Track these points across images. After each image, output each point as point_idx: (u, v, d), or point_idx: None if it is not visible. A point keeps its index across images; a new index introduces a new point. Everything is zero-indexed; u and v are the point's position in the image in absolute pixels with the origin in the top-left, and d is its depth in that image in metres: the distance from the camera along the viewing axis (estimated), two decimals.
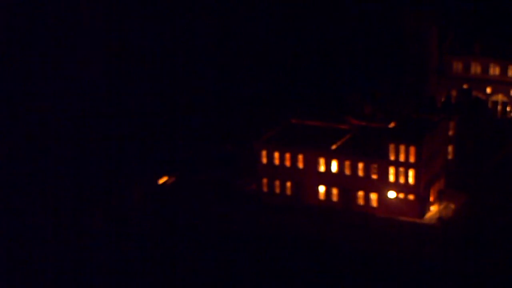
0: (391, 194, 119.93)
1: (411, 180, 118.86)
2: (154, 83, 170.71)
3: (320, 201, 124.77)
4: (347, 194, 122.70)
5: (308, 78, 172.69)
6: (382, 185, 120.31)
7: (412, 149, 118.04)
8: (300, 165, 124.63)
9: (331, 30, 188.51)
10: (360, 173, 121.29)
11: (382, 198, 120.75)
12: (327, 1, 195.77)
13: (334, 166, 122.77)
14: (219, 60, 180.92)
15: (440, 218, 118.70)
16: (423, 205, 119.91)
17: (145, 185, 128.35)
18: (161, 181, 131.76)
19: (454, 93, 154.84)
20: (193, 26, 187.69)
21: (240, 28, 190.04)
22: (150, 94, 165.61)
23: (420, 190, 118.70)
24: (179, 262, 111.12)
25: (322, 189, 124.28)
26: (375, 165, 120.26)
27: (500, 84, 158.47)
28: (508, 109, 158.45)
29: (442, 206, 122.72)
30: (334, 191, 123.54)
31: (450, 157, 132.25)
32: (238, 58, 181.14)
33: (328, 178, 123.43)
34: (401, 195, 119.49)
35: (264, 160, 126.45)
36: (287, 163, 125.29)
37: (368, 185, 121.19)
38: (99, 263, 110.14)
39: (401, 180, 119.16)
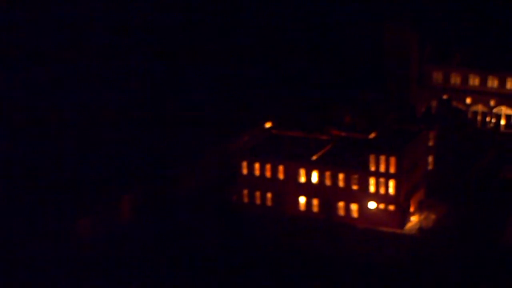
0: (372, 205, 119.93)
1: (391, 190, 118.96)
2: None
3: (300, 212, 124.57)
4: (328, 204, 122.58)
5: (288, 88, 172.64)
6: (362, 195, 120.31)
7: (392, 160, 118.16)
8: (281, 176, 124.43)
9: (312, 40, 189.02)
10: (341, 183, 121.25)
11: (363, 208, 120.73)
12: (308, 11, 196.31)
13: (315, 177, 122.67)
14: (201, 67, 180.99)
15: (420, 229, 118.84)
16: (404, 215, 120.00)
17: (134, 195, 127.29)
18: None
19: (434, 103, 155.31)
20: None
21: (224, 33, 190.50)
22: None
23: (401, 200, 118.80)
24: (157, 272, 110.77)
25: (302, 200, 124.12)
26: (356, 176, 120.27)
27: (480, 94, 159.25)
28: (488, 119, 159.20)
29: (422, 217, 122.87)
30: (315, 201, 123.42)
31: (430, 167, 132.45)
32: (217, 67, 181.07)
33: (308, 189, 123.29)
34: (382, 206, 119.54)
35: (245, 171, 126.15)
36: (268, 174, 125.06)
37: (349, 196, 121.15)
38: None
39: (382, 190, 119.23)
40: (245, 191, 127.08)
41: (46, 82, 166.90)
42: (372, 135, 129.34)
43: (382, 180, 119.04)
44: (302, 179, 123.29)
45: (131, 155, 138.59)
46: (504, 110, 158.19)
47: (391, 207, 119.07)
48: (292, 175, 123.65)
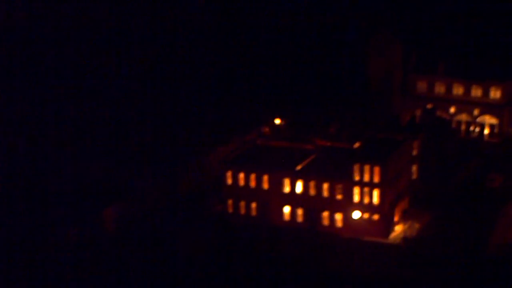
0: (356, 214, 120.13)
1: (375, 200, 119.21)
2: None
3: (285, 221, 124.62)
4: (312, 214, 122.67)
5: (272, 98, 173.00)
6: (347, 205, 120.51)
7: (376, 169, 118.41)
8: (265, 186, 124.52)
9: (295, 50, 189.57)
10: (325, 193, 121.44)
11: (347, 218, 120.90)
12: (292, 21, 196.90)
13: (299, 187, 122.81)
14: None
15: (404, 238, 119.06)
16: (388, 225, 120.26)
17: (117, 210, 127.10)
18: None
19: (418, 112, 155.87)
20: None
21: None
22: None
23: (385, 210, 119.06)
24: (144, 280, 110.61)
25: (287, 209, 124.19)
26: (340, 186, 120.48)
27: (463, 104, 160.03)
28: (471, 128, 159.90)
29: (406, 226, 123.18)
30: (299, 211, 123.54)
31: (414, 176, 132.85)
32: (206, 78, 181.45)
33: (293, 199, 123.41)
34: (366, 215, 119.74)
35: (229, 181, 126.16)
36: (252, 184, 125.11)
37: (333, 206, 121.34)
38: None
39: (366, 200, 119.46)
40: (230, 201, 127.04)
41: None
42: (357, 145, 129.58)
43: (366, 189, 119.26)
44: (287, 189, 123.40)
45: (116, 164, 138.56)
46: (487, 119, 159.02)
47: (376, 217, 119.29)
48: (276, 185, 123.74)
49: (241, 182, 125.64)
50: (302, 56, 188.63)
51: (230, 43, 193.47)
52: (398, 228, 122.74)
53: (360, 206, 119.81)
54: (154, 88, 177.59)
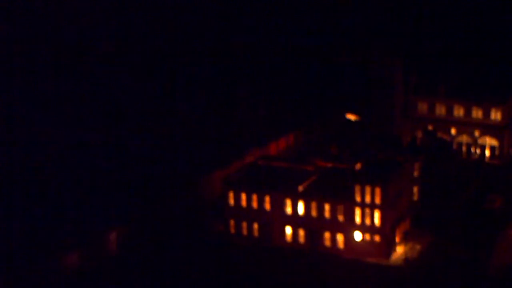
0: (357, 235, 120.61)
1: (377, 221, 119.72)
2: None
3: (287, 242, 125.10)
4: (314, 235, 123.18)
5: (271, 120, 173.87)
6: (348, 226, 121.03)
7: (377, 190, 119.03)
8: (267, 206, 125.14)
9: (296, 71, 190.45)
10: (327, 214, 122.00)
11: (349, 239, 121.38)
12: (293, 41, 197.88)
13: (301, 208, 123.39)
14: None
15: (406, 259, 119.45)
16: (389, 246, 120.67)
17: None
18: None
19: (419, 134, 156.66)
20: None
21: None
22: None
23: (386, 231, 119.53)
24: None
25: (289, 230, 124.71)
26: (341, 207, 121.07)
27: (464, 125, 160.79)
28: (472, 150, 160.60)
29: (407, 247, 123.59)
30: (301, 232, 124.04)
31: (415, 198, 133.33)
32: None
33: (294, 220, 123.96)
34: (367, 236, 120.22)
35: (231, 202, 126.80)
36: (254, 205, 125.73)
37: (335, 226, 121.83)
38: None
39: (367, 221, 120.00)
40: (232, 222, 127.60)
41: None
42: (358, 166, 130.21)
43: (367, 210, 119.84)
44: (288, 209, 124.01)
45: (117, 188, 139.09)
46: (488, 140, 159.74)
47: (377, 238, 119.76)
48: (278, 205, 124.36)
49: (243, 203, 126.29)
50: (302, 77, 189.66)
51: (228, 62, 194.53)
52: (399, 249, 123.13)
53: (362, 227, 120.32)
54: (154, 109, 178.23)
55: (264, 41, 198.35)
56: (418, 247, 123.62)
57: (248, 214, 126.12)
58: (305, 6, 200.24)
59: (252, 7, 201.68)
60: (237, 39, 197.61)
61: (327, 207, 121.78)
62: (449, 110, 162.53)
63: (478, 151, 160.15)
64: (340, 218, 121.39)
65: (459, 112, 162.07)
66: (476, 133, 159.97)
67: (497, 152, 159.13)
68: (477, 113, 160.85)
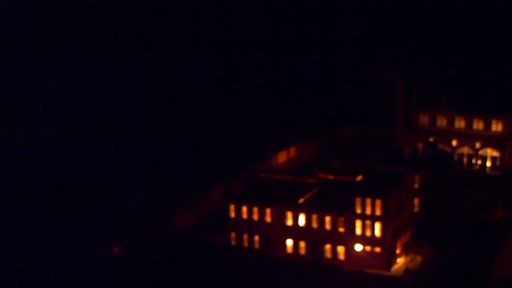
0: (358, 247, 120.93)
1: (377, 233, 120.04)
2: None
3: (288, 254, 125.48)
4: (315, 247, 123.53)
5: (276, 130, 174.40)
6: (349, 238, 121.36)
7: (378, 202, 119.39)
8: (268, 219, 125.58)
9: (298, 81, 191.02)
10: (327, 226, 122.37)
11: (349, 251, 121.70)
12: (297, 51, 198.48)
13: (302, 220, 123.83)
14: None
15: (406, 270, 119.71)
16: (390, 257, 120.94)
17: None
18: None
19: (420, 146, 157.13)
20: None
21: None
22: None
23: (387, 242, 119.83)
24: None
25: (289, 242, 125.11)
26: (342, 219, 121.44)
27: (465, 137, 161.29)
28: (473, 161, 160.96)
29: (408, 259, 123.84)
30: (302, 244, 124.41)
31: (416, 209, 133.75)
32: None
33: (295, 232, 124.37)
34: (368, 248, 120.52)
35: (232, 214, 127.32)
36: (255, 217, 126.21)
37: (335, 238, 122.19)
38: None
39: (368, 233, 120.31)
40: (233, 234, 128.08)
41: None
42: (359, 178, 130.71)
43: (368, 222, 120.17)
44: (289, 222, 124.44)
45: (120, 200, 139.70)
46: (489, 152, 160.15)
47: (377, 249, 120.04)
48: (279, 218, 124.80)
49: (244, 215, 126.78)
50: (304, 89, 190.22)
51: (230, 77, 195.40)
52: (400, 261, 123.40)
53: (362, 239, 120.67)
54: (156, 123, 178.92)
55: (267, 54, 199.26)
56: (419, 258, 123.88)
57: (249, 227, 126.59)
58: (304, 19, 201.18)
59: (251, 20, 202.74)
60: (241, 48, 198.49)
61: (328, 219, 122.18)
62: (450, 122, 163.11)
63: (479, 162, 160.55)
64: (341, 230, 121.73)
65: (460, 123, 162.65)
66: (477, 145, 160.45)
67: (498, 163, 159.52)
68: (478, 125, 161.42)
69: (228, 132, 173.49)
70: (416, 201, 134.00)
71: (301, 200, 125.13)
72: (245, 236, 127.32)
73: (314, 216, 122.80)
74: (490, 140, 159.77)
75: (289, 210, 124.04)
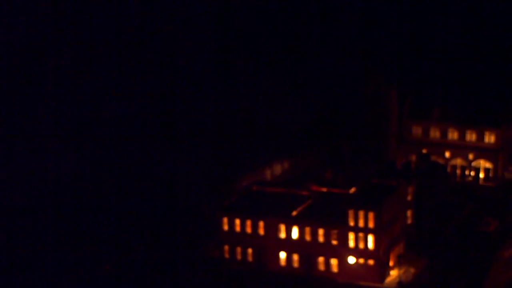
0: (351, 259, 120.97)
1: (370, 245, 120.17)
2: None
3: (281, 267, 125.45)
4: (308, 260, 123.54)
5: (267, 143, 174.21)
6: (342, 250, 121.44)
7: (371, 215, 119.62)
8: (261, 231, 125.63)
9: (292, 93, 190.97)
10: (321, 239, 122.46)
11: (343, 263, 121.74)
12: (290, 62, 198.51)
13: (295, 232, 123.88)
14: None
15: (400, 283, 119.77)
16: (383, 269, 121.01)
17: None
18: None
19: (413, 157, 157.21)
20: None
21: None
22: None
23: (380, 255, 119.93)
24: None
25: (283, 255, 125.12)
26: (335, 231, 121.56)
27: (458, 148, 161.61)
28: (467, 173, 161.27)
29: (402, 271, 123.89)
30: (295, 257, 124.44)
31: (409, 221, 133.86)
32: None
33: (289, 244, 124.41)
34: (361, 260, 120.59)
35: (225, 227, 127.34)
36: (248, 230, 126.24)
37: (329, 251, 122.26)
38: None
39: (361, 245, 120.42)
40: (226, 247, 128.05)
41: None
42: (353, 190, 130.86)
43: (361, 235, 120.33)
44: (283, 234, 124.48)
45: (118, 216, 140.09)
46: (482, 163, 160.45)
47: (371, 262, 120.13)
48: (272, 230, 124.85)
49: (237, 228, 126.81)
50: (297, 101, 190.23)
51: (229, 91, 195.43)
52: (394, 273, 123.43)
53: (355, 251, 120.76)
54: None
55: (261, 68, 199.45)
56: (412, 270, 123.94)
57: (243, 239, 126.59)
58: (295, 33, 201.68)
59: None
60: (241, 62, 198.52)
61: (321, 231, 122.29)
62: (444, 134, 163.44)
63: (472, 173, 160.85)
64: (334, 242, 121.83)
65: (453, 135, 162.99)
66: (470, 156, 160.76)
67: (491, 175, 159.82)
68: (471, 136, 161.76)
69: (224, 142, 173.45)
70: (409, 213, 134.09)
71: (294, 213, 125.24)
72: (239, 249, 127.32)
73: (307, 229, 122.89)
74: (483, 151, 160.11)
75: (282, 222, 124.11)
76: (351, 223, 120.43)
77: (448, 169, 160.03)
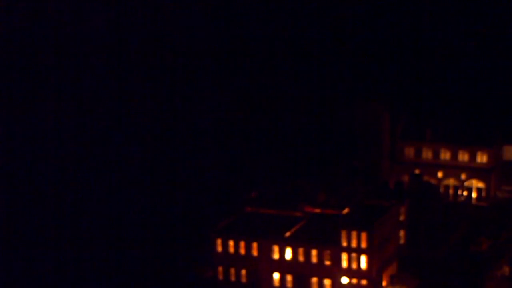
0: (344, 280, 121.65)
1: (363, 265, 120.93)
2: None
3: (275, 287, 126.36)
4: (301, 280, 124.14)
5: (262, 164, 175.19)
6: (335, 271, 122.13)
7: (363, 235, 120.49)
8: (255, 253, 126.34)
9: (284, 114, 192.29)
10: (314, 259, 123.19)
11: (336, 283, 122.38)
12: (280, 84, 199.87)
13: (288, 253, 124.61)
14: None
15: None
16: None
17: None
18: None
19: (406, 178, 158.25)
20: None
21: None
22: None
23: (373, 275, 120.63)
24: None
25: (276, 276, 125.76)
26: (328, 252, 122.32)
27: (451, 168, 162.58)
28: (459, 192, 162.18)
29: None
30: (289, 277, 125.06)
31: (402, 241, 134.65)
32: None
33: (282, 265, 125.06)
34: (354, 281, 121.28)
35: (219, 249, 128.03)
36: (242, 251, 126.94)
37: (322, 271, 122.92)
38: None
39: (354, 265, 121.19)
40: (220, 268, 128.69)
41: None
42: (345, 211, 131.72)
43: (354, 255, 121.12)
44: (276, 255, 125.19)
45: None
46: (475, 183, 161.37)
47: (364, 282, 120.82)
48: (266, 252, 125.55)
49: (231, 250, 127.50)
50: (289, 123, 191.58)
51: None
52: None
53: (348, 271, 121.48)
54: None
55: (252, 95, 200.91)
56: None
57: (236, 261, 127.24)
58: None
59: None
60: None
61: (314, 252, 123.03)
62: (436, 154, 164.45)
63: (465, 193, 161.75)
64: (327, 263, 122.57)
65: (445, 155, 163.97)
66: (463, 176, 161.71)
67: (483, 194, 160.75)
68: (464, 157, 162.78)
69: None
70: (402, 233, 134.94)
71: (287, 234, 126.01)
72: (232, 270, 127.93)
73: (301, 250, 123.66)
74: (475, 171, 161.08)
75: (276, 244, 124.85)
76: (344, 244, 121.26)
77: (441, 189, 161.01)
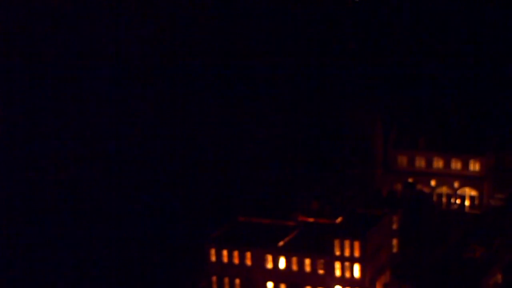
0: None
1: (357, 274, 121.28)
2: None
3: None
4: None
5: (255, 174, 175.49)
6: (329, 279, 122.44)
7: (356, 244, 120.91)
8: (248, 262, 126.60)
9: (276, 123, 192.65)
10: (307, 268, 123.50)
11: None
12: (271, 90, 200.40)
13: (282, 263, 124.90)
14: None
15: None
16: None
17: None
18: None
19: (399, 187, 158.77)
20: None
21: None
22: None
23: (366, 283, 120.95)
24: None
25: (270, 285, 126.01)
26: (322, 261, 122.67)
27: (444, 176, 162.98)
28: (452, 201, 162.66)
29: None
30: (282, 286, 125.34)
31: (395, 250, 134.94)
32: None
33: (276, 274, 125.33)
34: None
35: (213, 258, 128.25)
36: (236, 261, 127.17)
37: (315, 280, 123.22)
38: None
39: (347, 274, 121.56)
40: (214, 278, 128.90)
41: None
42: (339, 220, 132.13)
43: (347, 264, 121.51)
44: (270, 265, 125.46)
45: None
46: (468, 191, 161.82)
47: None
48: (259, 261, 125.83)
49: (225, 259, 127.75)
50: (281, 132, 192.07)
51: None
52: None
53: (342, 280, 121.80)
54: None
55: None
56: None
57: (230, 270, 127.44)
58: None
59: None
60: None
61: (307, 261, 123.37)
62: (429, 162, 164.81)
63: (458, 201, 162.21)
64: (321, 272, 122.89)
65: (438, 164, 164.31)
66: (456, 184, 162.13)
67: (476, 202, 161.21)
68: (456, 165, 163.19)
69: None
70: (395, 241, 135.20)
71: (281, 243, 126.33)
72: (226, 280, 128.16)
73: (294, 259, 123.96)
74: (468, 179, 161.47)
75: (269, 253, 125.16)
76: (337, 253, 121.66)
77: (434, 198, 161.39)
